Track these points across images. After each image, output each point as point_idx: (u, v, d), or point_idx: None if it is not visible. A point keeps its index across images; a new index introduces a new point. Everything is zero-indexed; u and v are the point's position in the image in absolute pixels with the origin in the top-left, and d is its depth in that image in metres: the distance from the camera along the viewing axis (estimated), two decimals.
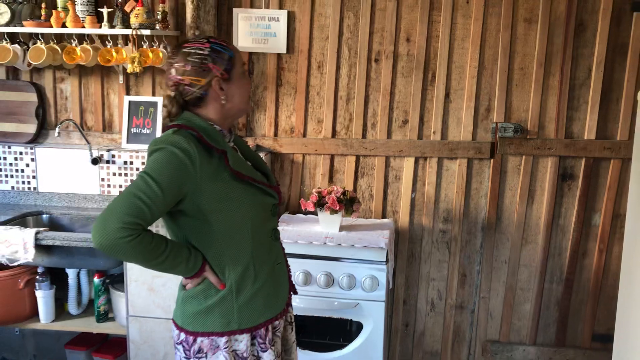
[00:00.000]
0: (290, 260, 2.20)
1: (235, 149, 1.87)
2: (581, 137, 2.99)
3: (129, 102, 3.29)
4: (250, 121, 3.23)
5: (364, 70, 3.04)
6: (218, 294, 1.76)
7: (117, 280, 3.12)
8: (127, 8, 2.93)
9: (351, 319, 2.71)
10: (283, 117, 3.17)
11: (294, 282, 2.09)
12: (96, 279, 3.05)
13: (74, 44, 2.99)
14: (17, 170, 3.32)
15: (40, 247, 2.73)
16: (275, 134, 3.18)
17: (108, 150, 3.28)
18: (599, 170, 3.03)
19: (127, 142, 3.28)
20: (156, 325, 2.75)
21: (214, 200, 1.69)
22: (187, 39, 1.85)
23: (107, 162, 3.28)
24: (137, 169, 3.26)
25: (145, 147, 3.23)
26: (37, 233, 2.73)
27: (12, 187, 3.30)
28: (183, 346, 1.79)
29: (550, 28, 2.92)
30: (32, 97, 3.31)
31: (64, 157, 3.26)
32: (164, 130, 1.77)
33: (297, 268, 2.64)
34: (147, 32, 2.90)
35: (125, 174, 3.27)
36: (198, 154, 1.66)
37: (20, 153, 3.32)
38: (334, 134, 3.12)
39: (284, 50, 3.07)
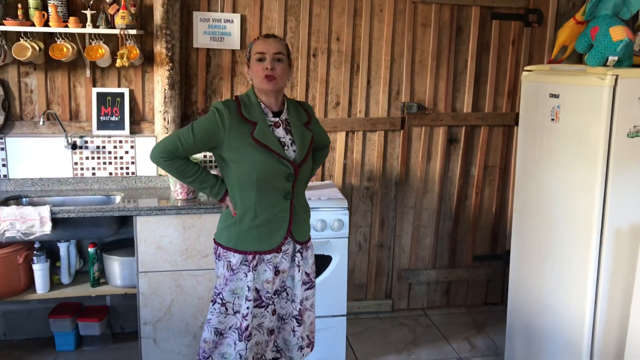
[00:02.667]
0: None
1: (278, 124, 2.28)
2: (462, 111, 3.77)
3: (97, 93, 3.55)
4: (208, 106, 3.68)
5: (305, 64, 3.52)
6: (231, 219, 2.28)
7: (107, 249, 3.42)
8: (110, 11, 3.23)
9: (322, 254, 3.17)
10: None
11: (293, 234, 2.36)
12: (90, 249, 3.25)
13: (58, 42, 3.23)
14: None
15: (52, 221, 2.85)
16: None
17: (81, 137, 3.52)
18: (474, 135, 3.82)
19: (97, 129, 3.56)
20: (163, 277, 2.98)
21: (233, 153, 2.18)
22: None
23: (80, 147, 3.54)
24: (109, 152, 3.56)
25: (114, 132, 3.53)
26: (52, 207, 2.86)
27: None
28: (214, 250, 2.37)
29: (439, 31, 3.63)
30: None
31: (34, 145, 3.29)
32: None
33: None
34: (133, 31, 3.18)
35: (99, 157, 3.52)
36: (230, 117, 2.17)
37: None
38: None
39: (237, 47, 3.44)
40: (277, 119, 2.29)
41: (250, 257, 2.29)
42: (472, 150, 3.90)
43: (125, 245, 3.32)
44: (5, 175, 3.35)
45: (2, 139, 3.32)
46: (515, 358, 3.05)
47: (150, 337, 3.09)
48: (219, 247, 2.34)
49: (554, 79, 2.68)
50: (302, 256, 2.40)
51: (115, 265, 3.19)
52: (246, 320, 2.28)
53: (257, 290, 2.32)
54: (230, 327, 2.35)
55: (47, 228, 2.87)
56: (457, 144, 3.87)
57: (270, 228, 2.29)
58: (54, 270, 3.25)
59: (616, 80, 2.34)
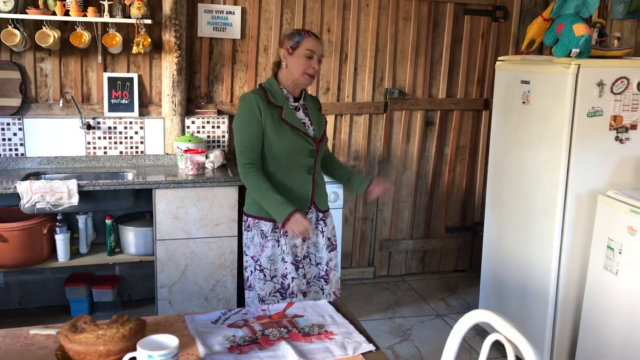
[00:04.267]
0: None
1: (298, 108, 2.53)
2: (437, 97, 4.16)
3: (108, 77, 3.79)
4: (210, 91, 3.96)
5: None
6: None
7: (122, 221, 3.68)
8: (126, 2, 3.48)
9: None
10: (237, 87, 3.86)
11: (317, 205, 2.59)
12: (107, 221, 3.52)
13: (78, 30, 3.46)
14: (4, 139, 3.60)
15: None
16: (231, 101, 3.83)
17: (94, 118, 3.76)
18: (447, 118, 4.23)
19: (109, 111, 3.80)
20: (179, 245, 3.27)
21: (271, 132, 2.42)
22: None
23: (93, 128, 3.77)
24: (120, 133, 3.81)
25: (125, 114, 3.79)
26: (79, 180, 3.10)
27: (0, 155, 3.49)
28: (243, 222, 2.57)
29: (418, 25, 4.00)
30: (16, 75, 3.56)
31: (50, 126, 3.52)
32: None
33: None
34: (148, 21, 3.47)
35: (110, 137, 3.78)
36: (262, 102, 2.42)
37: (7, 124, 3.57)
38: None
39: (238, 36, 3.74)
40: (297, 104, 2.56)
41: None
42: (446, 132, 4.30)
43: (137, 218, 3.58)
44: (22, 154, 3.55)
45: (20, 119, 3.52)
46: (489, 309, 3.47)
47: (166, 299, 3.37)
48: (249, 218, 2.54)
49: (525, 68, 3.09)
50: (324, 223, 2.62)
51: (131, 235, 3.45)
52: (286, 279, 2.51)
53: (294, 255, 2.55)
54: (270, 293, 2.56)
55: (75, 200, 3.12)
56: (433, 127, 4.26)
57: (296, 199, 2.51)
58: (72, 241, 3.47)
59: (578, 69, 2.76)
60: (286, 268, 2.51)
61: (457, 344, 1.57)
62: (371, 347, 1.63)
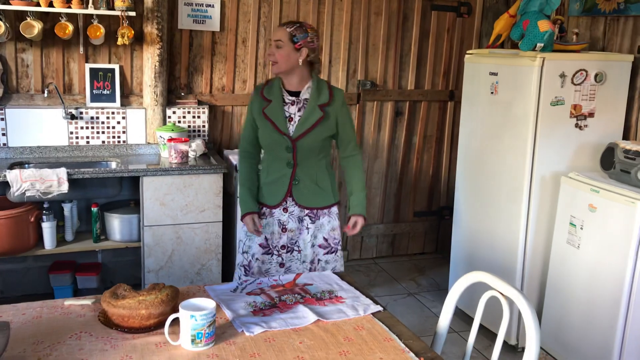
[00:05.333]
0: None
1: (293, 102, 2.58)
2: (406, 88, 4.40)
3: (90, 68, 3.86)
4: (190, 82, 4.09)
5: None
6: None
7: (107, 208, 3.76)
8: None
9: None
10: (216, 78, 4.00)
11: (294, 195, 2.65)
12: (93, 208, 3.61)
13: (62, 21, 3.51)
14: None
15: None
16: (211, 92, 3.95)
17: (76, 108, 3.82)
18: (416, 109, 4.47)
19: (91, 101, 3.87)
20: (166, 230, 3.39)
21: (257, 124, 2.63)
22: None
23: (75, 118, 3.83)
24: (103, 123, 3.88)
25: (107, 104, 3.87)
26: (67, 169, 3.18)
27: None
28: None
29: (389, 19, 4.22)
30: None
31: (32, 116, 3.58)
32: None
33: None
34: (132, 13, 3.54)
35: (92, 127, 3.86)
36: (255, 96, 2.64)
37: None
38: None
39: (217, 29, 3.86)
40: (293, 98, 2.62)
41: (265, 208, 2.71)
42: (414, 122, 4.55)
43: (121, 205, 3.69)
44: (4, 144, 3.60)
45: (2, 109, 3.56)
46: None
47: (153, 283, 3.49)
48: None
49: (493, 60, 3.35)
50: (311, 220, 2.65)
51: (116, 223, 3.55)
52: (249, 257, 2.70)
53: (266, 239, 2.70)
54: (237, 264, 2.77)
55: (65, 188, 3.21)
56: (402, 117, 4.51)
57: (275, 188, 2.67)
58: (57, 229, 3.55)
59: (543, 61, 3.03)
60: (250, 247, 2.71)
61: (454, 301, 1.80)
62: (379, 308, 1.84)
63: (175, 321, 1.58)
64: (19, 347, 1.52)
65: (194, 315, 1.53)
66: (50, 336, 1.59)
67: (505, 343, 3.39)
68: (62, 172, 3.20)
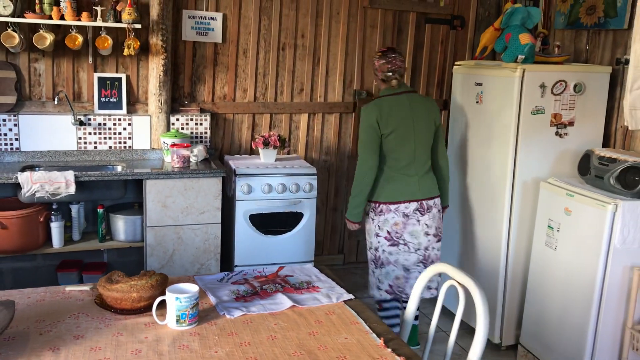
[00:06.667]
0: (256, 178, 3.73)
1: None
2: None
3: (98, 77, 4.09)
4: (193, 91, 4.31)
5: (275, 56, 4.22)
6: None
7: (112, 210, 3.98)
8: (118, 8, 3.79)
9: (296, 211, 3.91)
10: (218, 87, 4.22)
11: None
12: (99, 210, 3.83)
13: (73, 32, 3.75)
14: (0, 135, 3.90)
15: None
16: (213, 100, 4.19)
17: (85, 115, 4.05)
18: None
19: (99, 108, 4.09)
20: (167, 231, 3.59)
21: None
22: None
23: (84, 124, 4.06)
24: (110, 129, 4.10)
25: (114, 112, 4.09)
26: (75, 172, 3.38)
27: None
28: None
29: (384, 32, 4.43)
30: (11, 74, 3.82)
31: (43, 122, 3.79)
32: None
33: (262, 182, 3.75)
34: (138, 25, 3.78)
35: (100, 133, 4.08)
36: None
37: (3, 120, 3.84)
38: (255, 98, 4.25)
39: (219, 40, 4.11)
40: None
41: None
42: None
43: (126, 207, 3.89)
44: (17, 148, 3.82)
45: (15, 116, 3.79)
46: None
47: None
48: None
49: (478, 71, 3.53)
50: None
51: (121, 223, 3.75)
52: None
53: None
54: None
55: (72, 189, 3.42)
56: None
57: None
58: (65, 229, 3.75)
59: (523, 73, 3.20)
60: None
61: (419, 290, 1.97)
62: (351, 296, 2.01)
63: (164, 305, 1.77)
64: (24, 325, 1.72)
65: (178, 298, 1.71)
66: (51, 316, 1.78)
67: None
68: (70, 174, 3.41)
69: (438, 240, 3.22)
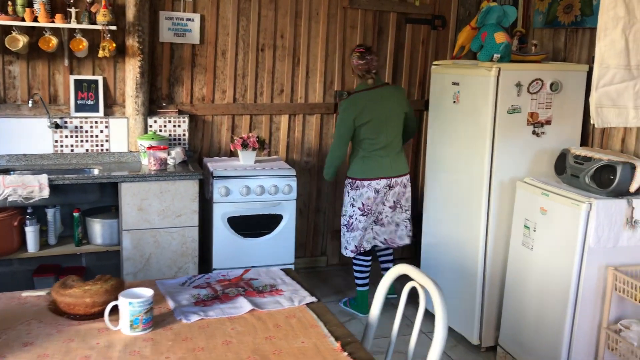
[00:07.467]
0: (234, 181, 3.73)
1: None
2: None
3: (74, 80, 4.04)
4: (171, 92, 4.26)
5: (254, 56, 4.18)
6: None
7: (89, 213, 3.93)
8: (93, 9, 3.74)
9: (275, 214, 3.87)
10: (197, 89, 4.16)
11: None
12: (75, 213, 3.78)
13: (46, 35, 3.70)
14: None
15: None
16: (191, 102, 4.13)
17: (61, 118, 4.00)
18: None
19: (75, 111, 4.05)
20: (143, 235, 3.54)
21: None
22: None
23: (60, 127, 4.01)
24: (86, 132, 4.06)
25: (90, 114, 4.04)
26: (49, 175, 3.33)
27: None
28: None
29: (364, 32, 4.39)
30: None
31: (18, 125, 3.74)
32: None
33: (240, 185, 3.71)
34: (113, 27, 3.74)
35: (77, 136, 4.03)
36: None
37: None
38: (234, 100, 4.21)
39: (197, 42, 4.05)
40: None
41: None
42: None
43: (103, 211, 3.84)
44: None
45: None
46: None
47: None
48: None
49: (455, 71, 3.50)
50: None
51: (97, 227, 3.70)
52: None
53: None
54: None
55: (46, 193, 3.37)
56: None
57: None
58: (41, 234, 3.69)
59: (499, 72, 3.17)
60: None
61: (383, 293, 1.93)
62: (314, 299, 1.98)
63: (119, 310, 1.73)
64: None
65: (131, 302, 1.67)
66: (3, 322, 1.74)
67: (468, 343, 3.51)
68: (44, 178, 3.37)
69: (393, 210, 3.84)
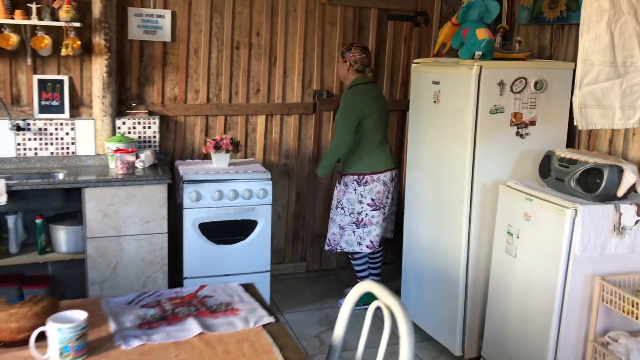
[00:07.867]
0: (205, 185, 3.54)
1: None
2: None
3: (38, 79, 3.84)
4: (141, 92, 4.07)
5: (229, 55, 4.00)
6: None
7: (53, 220, 3.73)
8: (55, 5, 3.55)
9: (250, 219, 3.69)
10: (168, 89, 3.95)
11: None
12: (38, 220, 3.59)
13: (5, 32, 3.50)
14: None
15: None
16: (163, 102, 3.93)
17: (24, 120, 3.80)
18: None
19: (39, 112, 3.85)
20: (109, 242, 3.34)
21: None
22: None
23: (23, 129, 3.81)
24: (51, 134, 3.86)
25: (55, 116, 3.84)
26: (7, 180, 3.14)
27: None
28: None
29: (344, 29, 4.20)
30: None
31: None
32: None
33: (212, 189, 3.53)
34: (77, 24, 3.55)
35: (41, 138, 3.83)
36: None
37: None
38: (208, 100, 4.02)
39: (168, 39, 3.85)
40: None
41: None
42: None
43: (68, 217, 3.65)
44: None
45: None
46: (410, 296, 3.70)
47: (97, 296, 3.46)
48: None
49: (435, 69, 3.33)
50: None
51: (62, 234, 3.51)
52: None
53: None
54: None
55: (3, 199, 3.18)
56: None
57: None
58: (1, 241, 3.51)
59: (480, 70, 3.01)
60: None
61: (349, 309, 1.76)
62: (271, 319, 1.80)
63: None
64: None
65: (60, 329, 1.49)
66: None
67: (450, 354, 3.35)
68: (1, 183, 3.18)
69: (392, 203, 3.90)
